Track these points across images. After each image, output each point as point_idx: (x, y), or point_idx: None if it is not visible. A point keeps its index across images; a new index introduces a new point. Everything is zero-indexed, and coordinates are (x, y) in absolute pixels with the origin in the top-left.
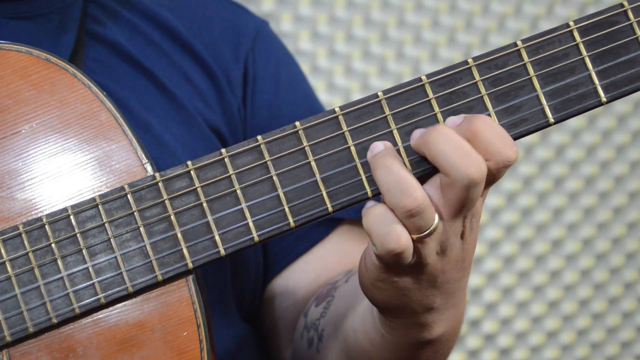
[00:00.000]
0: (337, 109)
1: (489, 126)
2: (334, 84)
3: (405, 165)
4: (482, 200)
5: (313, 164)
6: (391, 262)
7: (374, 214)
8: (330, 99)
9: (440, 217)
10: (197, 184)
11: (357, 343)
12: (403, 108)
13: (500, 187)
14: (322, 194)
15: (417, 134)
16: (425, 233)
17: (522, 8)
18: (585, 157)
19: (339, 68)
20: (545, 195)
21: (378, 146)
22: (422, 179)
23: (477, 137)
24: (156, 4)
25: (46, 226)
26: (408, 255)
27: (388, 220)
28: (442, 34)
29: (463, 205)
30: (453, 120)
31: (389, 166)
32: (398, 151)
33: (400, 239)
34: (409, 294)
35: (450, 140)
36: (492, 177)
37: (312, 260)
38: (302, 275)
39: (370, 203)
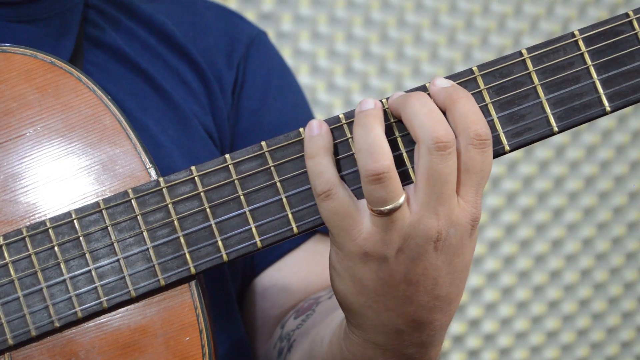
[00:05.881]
0: (341, 116)
1: (468, 101)
2: (334, 84)
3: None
4: (467, 212)
5: None
6: (329, 217)
7: (315, 160)
8: (330, 99)
9: (408, 202)
10: (200, 189)
11: (321, 354)
12: None
13: (500, 187)
14: None
15: (398, 94)
16: (387, 208)
17: (522, 8)
18: (585, 157)
19: (339, 68)
20: (545, 195)
21: (368, 103)
22: None
23: (454, 105)
24: (154, 10)
25: (49, 230)
26: (340, 204)
27: (323, 165)
28: (442, 34)
29: (429, 182)
30: (441, 80)
31: (368, 127)
32: (400, 156)
33: (329, 180)
34: (368, 294)
35: (426, 105)
36: (464, 162)
37: (283, 268)
38: (273, 281)
39: (314, 129)
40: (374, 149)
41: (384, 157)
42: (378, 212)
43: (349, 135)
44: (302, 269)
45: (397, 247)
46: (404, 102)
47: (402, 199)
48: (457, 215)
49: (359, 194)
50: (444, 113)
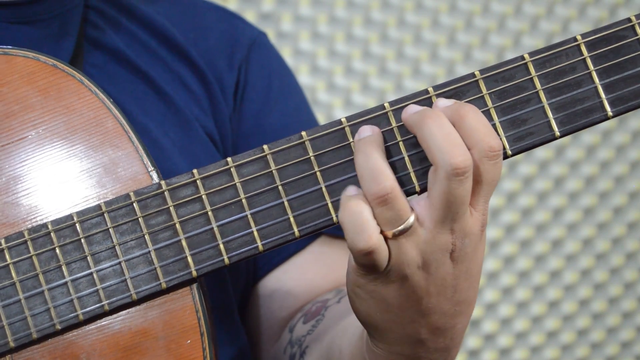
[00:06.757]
0: (343, 120)
1: (476, 114)
2: (334, 84)
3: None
4: (478, 221)
5: (318, 173)
6: (364, 264)
7: (350, 209)
8: (330, 99)
9: (419, 220)
10: (202, 192)
11: None
12: None
13: (500, 187)
14: (327, 204)
15: (413, 109)
16: (399, 229)
17: (522, 8)
18: (585, 157)
19: (339, 68)
20: (545, 195)
21: (365, 130)
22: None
23: (463, 121)
24: (154, 12)
25: (51, 232)
26: (380, 257)
27: (363, 217)
28: (442, 34)
29: (446, 204)
30: (443, 101)
31: (368, 153)
32: (402, 160)
33: (371, 238)
34: (391, 311)
35: (444, 127)
36: (477, 174)
37: (290, 270)
38: (280, 283)
39: (350, 190)
40: (375, 172)
41: (386, 179)
42: (392, 236)
43: (351, 140)
44: (309, 271)
45: (416, 265)
46: (420, 121)
47: (412, 218)
48: (470, 226)
49: None
50: None
